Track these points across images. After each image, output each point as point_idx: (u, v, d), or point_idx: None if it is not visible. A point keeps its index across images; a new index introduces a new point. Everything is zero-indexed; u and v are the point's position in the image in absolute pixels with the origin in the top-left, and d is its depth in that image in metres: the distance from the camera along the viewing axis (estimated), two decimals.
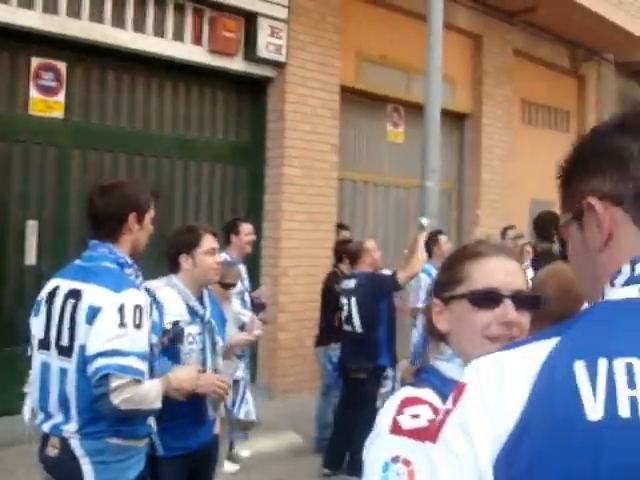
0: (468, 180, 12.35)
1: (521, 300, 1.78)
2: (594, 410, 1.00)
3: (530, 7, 11.98)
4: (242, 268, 7.10)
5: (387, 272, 7.13)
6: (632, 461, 0.97)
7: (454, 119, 12.02)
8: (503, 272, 1.83)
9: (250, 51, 8.95)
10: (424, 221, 7.93)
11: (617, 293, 1.14)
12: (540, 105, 14.01)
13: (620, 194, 1.18)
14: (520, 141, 12.89)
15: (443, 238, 8.01)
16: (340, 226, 9.38)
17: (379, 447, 1.57)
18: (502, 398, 1.05)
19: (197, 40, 8.63)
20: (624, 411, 0.99)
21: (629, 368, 1.01)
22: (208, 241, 4.11)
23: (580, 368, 1.03)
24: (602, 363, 1.02)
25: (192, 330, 3.95)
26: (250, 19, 8.92)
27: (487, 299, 1.77)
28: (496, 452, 1.03)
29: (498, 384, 1.07)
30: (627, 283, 1.14)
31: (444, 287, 1.87)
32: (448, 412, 1.12)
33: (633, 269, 1.15)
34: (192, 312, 4.00)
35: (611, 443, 0.98)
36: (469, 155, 12.36)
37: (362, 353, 6.80)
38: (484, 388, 1.08)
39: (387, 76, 10.88)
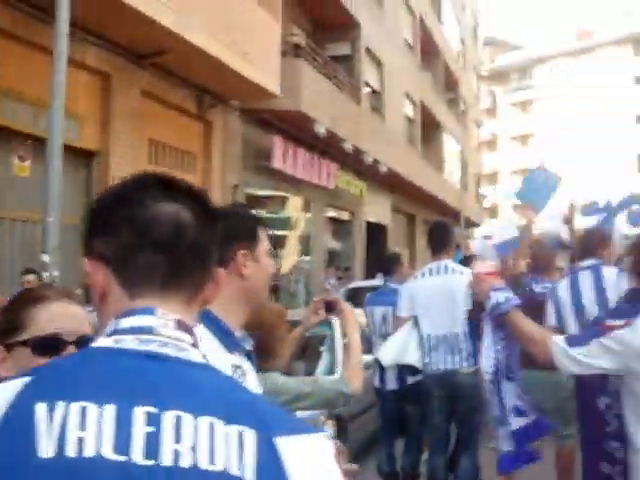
0: None
1: (85, 345, 1.74)
2: (46, 449, 1.06)
3: (159, 51, 12.20)
4: None
5: None
6: None
7: (82, 156, 11.97)
8: (65, 317, 1.81)
9: None
10: (45, 258, 7.85)
11: (98, 342, 1.24)
12: (168, 146, 14.37)
13: (109, 256, 1.30)
14: None
15: (30, 277, 7.50)
16: None
17: None
18: None
19: None
20: (71, 451, 1.07)
21: (83, 411, 1.09)
22: None
23: (40, 409, 1.09)
24: (60, 406, 1.10)
25: None
26: None
27: (50, 346, 1.75)
28: None
29: None
30: (109, 334, 1.23)
31: (6, 333, 1.80)
32: None
33: (117, 323, 1.25)
34: None
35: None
36: (98, 193, 12.24)
37: None
38: None
39: (14, 109, 10.59)
